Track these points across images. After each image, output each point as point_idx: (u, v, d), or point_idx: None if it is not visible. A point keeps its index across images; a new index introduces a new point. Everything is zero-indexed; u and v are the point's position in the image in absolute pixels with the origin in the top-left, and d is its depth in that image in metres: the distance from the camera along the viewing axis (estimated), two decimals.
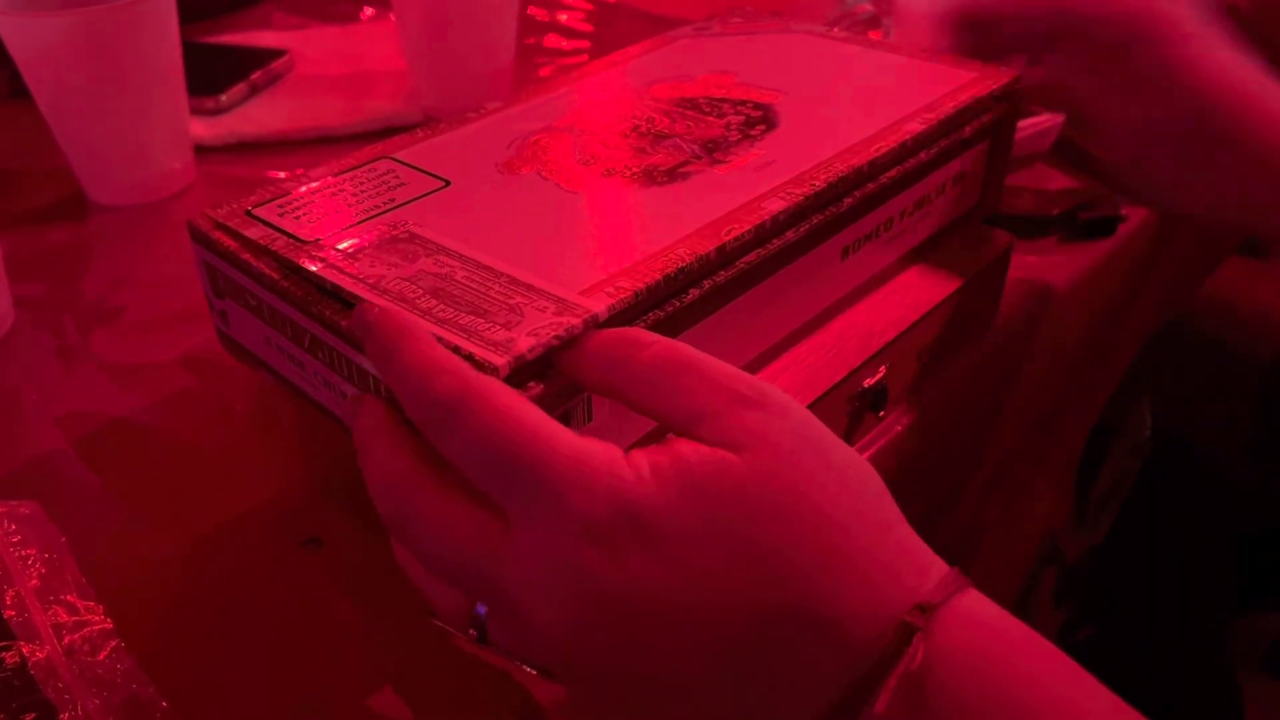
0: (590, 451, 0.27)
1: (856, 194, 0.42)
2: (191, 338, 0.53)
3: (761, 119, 0.46)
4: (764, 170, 0.42)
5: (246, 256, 0.38)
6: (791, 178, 0.40)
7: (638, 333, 0.31)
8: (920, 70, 0.51)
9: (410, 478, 0.29)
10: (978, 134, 0.48)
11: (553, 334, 0.32)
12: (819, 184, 0.40)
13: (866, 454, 0.48)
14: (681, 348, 0.30)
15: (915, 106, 0.46)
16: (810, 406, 0.32)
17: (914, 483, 0.52)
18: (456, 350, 0.31)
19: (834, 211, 0.41)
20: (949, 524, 0.60)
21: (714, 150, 0.43)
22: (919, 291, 0.48)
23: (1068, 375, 0.68)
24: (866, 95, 0.48)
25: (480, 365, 0.31)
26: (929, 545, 0.29)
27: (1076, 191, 0.64)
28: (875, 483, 0.29)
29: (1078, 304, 0.62)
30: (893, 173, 0.44)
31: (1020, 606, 0.81)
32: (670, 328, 0.36)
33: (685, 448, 0.28)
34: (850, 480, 0.29)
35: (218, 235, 0.40)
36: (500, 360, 0.31)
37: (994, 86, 0.48)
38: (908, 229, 0.48)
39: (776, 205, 0.39)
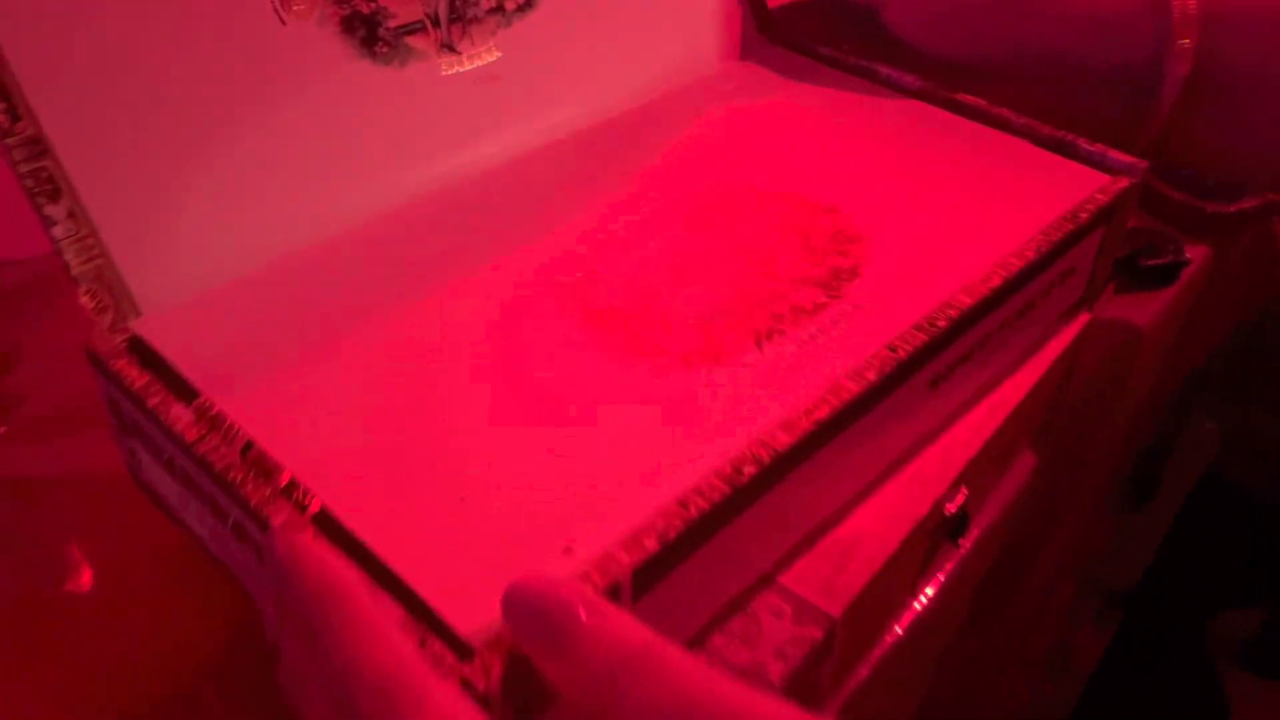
0: None
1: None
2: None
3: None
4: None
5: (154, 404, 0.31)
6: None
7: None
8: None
9: None
10: (1091, 227, 0.43)
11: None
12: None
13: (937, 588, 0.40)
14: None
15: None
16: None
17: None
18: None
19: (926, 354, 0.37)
20: None
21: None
22: (998, 390, 0.44)
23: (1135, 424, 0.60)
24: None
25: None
26: None
27: (1135, 232, 0.59)
28: None
29: (1146, 356, 0.54)
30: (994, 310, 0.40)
31: None
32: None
33: None
34: None
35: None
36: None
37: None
38: (1005, 342, 0.43)
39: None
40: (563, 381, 0.34)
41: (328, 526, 0.29)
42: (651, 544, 0.28)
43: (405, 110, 0.44)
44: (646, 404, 0.33)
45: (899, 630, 0.42)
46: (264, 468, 0.30)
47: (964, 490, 0.41)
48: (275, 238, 0.40)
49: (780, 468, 0.32)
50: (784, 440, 0.32)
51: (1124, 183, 0.44)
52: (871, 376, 0.34)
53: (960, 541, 0.43)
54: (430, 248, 0.41)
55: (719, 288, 0.39)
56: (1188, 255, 0.59)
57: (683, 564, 0.30)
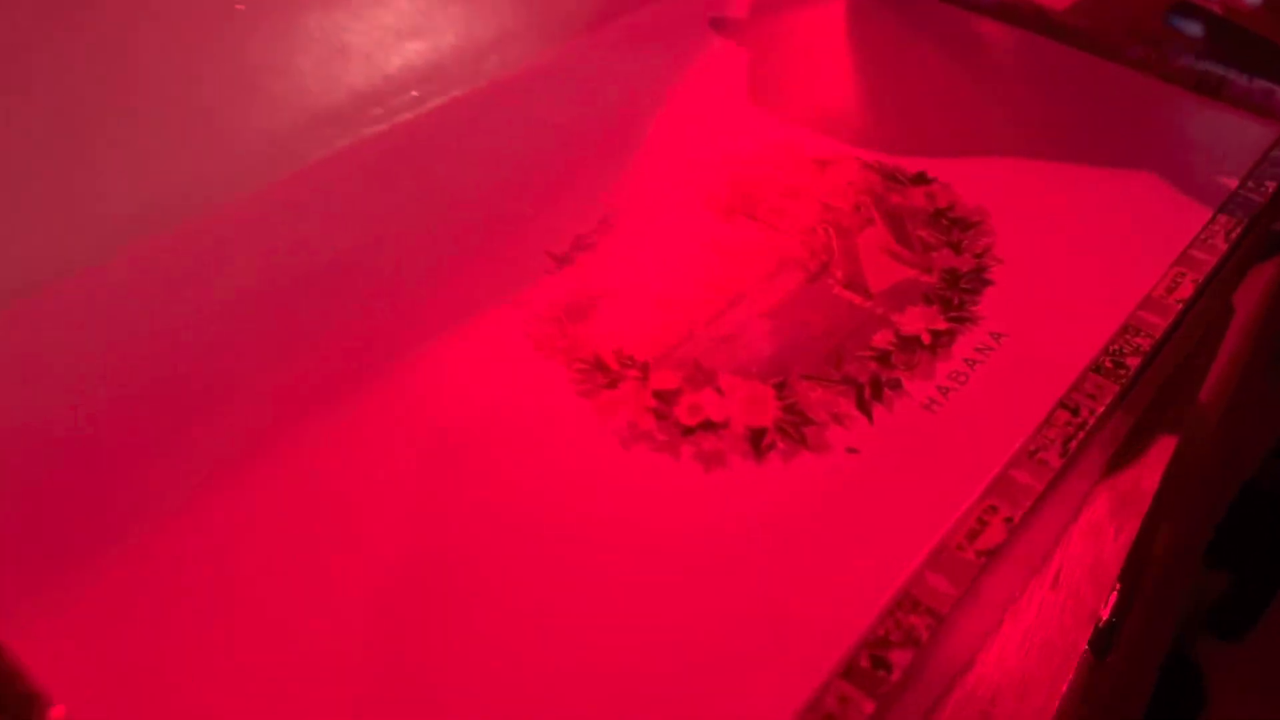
0: None
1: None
2: None
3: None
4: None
5: None
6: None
7: None
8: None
9: None
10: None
11: None
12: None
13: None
14: None
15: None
16: None
17: None
18: None
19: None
20: None
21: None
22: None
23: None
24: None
25: None
26: None
27: None
28: None
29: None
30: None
31: None
32: None
33: None
34: None
35: None
36: None
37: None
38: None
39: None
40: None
41: None
42: None
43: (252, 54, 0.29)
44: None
45: None
46: None
47: (1115, 591, 0.29)
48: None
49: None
50: (946, 592, 0.19)
51: None
52: (1053, 461, 0.22)
53: (1106, 659, 0.31)
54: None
55: (776, 311, 0.25)
56: None
57: None
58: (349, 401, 0.23)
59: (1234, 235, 0.28)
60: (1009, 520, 0.21)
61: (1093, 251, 0.27)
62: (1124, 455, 0.28)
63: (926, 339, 0.25)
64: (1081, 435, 0.23)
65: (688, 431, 0.23)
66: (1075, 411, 0.23)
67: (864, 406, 0.23)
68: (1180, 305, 0.26)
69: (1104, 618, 0.28)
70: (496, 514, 0.21)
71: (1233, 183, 0.29)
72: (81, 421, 0.23)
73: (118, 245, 0.27)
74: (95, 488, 0.22)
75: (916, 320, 0.25)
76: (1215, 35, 0.39)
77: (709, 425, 0.23)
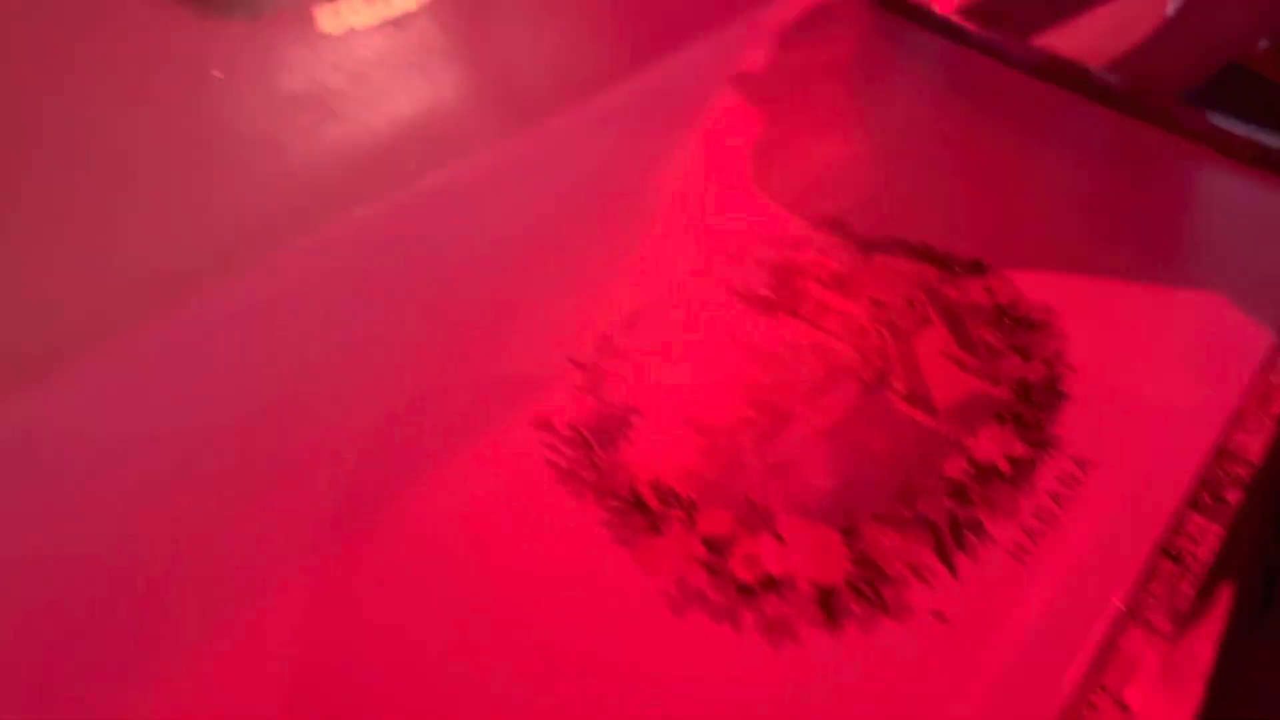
0: None
1: None
2: None
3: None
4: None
5: None
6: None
7: None
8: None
9: None
10: None
11: None
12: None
13: None
14: None
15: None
16: None
17: None
18: None
19: None
20: None
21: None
22: None
23: None
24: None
25: None
26: None
27: None
28: None
29: None
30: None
31: None
32: None
33: None
34: None
35: None
36: None
37: None
38: None
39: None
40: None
41: None
42: None
43: (258, 100, 0.26)
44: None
45: None
46: None
47: None
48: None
49: None
50: None
51: None
52: (1162, 626, 0.19)
53: None
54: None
55: (832, 432, 0.22)
56: None
57: None
58: (349, 545, 0.20)
59: None
60: (1122, 708, 0.18)
61: (1171, 356, 0.25)
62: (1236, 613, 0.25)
63: (1005, 468, 0.22)
64: (1190, 592, 0.20)
65: (747, 591, 0.19)
66: (1178, 559, 0.20)
67: (945, 556, 0.20)
68: (1275, 424, 0.23)
69: None
70: (521, 697, 0.18)
71: None
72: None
73: (81, 341, 0.23)
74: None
75: (991, 444, 0.22)
76: (1221, 79, 0.37)
77: (770, 583, 0.20)
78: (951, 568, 0.20)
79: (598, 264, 0.27)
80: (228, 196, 0.25)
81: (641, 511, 0.21)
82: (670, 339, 0.25)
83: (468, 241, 0.26)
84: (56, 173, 0.23)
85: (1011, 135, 0.31)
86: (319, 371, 0.23)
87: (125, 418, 0.22)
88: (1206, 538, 0.21)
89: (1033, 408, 0.23)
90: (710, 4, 0.35)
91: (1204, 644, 0.24)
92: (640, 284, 0.26)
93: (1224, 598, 0.23)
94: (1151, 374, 0.24)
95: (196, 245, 0.25)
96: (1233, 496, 0.22)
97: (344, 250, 0.26)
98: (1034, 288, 0.26)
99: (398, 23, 0.27)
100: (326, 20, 0.26)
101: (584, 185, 0.29)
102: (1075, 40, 0.33)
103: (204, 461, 0.22)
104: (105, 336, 0.23)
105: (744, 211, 0.28)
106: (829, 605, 0.19)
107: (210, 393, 0.23)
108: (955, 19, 0.35)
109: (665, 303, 0.25)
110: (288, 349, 0.24)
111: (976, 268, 0.27)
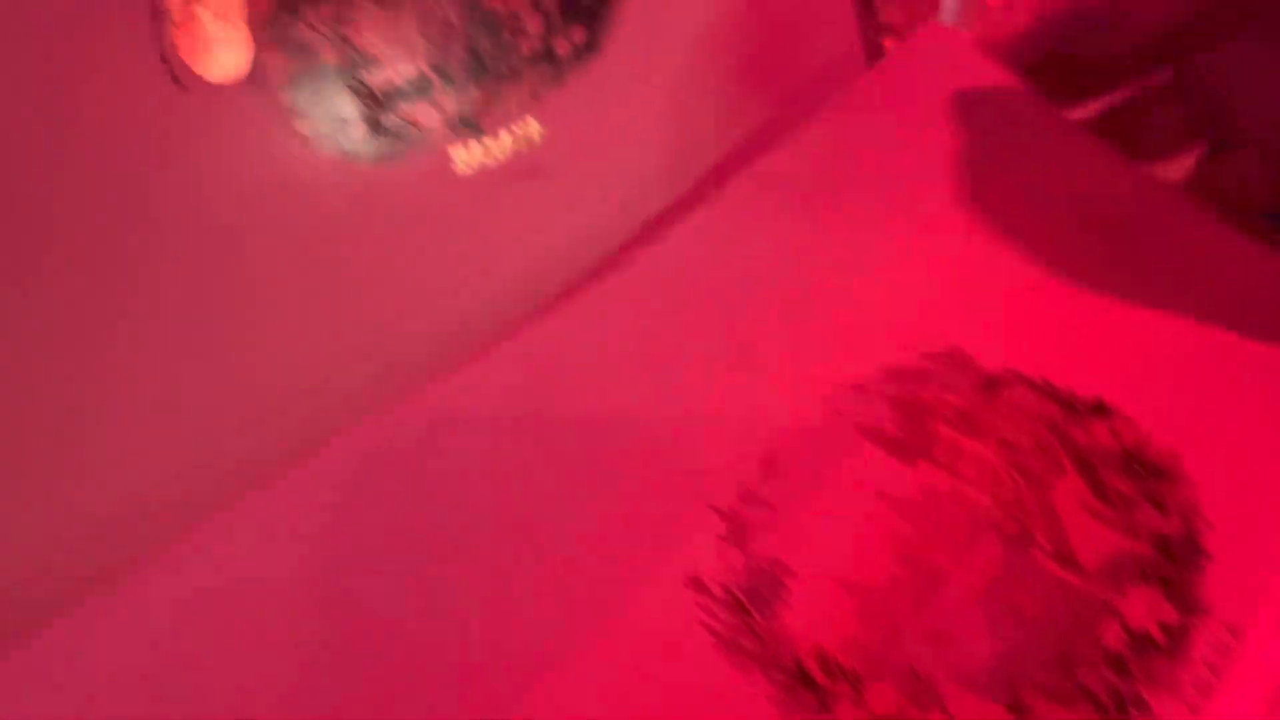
0: None
1: None
2: None
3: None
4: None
5: None
6: None
7: None
8: None
9: None
10: None
11: None
12: None
13: None
14: None
15: None
16: None
17: None
18: None
19: None
20: None
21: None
22: None
23: None
24: None
25: None
26: None
27: None
28: None
29: None
30: None
31: None
32: None
33: None
34: None
35: None
36: None
37: None
38: None
39: None
40: None
41: None
42: None
43: (392, 248, 0.25)
44: None
45: None
46: None
47: None
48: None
49: None
50: None
51: None
52: None
53: None
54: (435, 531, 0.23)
55: (985, 595, 0.22)
56: None
57: None
58: None
59: None
60: None
61: None
62: None
63: (1159, 637, 0.22)
64: None
65: None
66: None
67: None
68: None
69: None
70: None
71: None
72: None
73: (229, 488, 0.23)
74: None
75: (1141, 607, 0.22)
76: None
77: None
78: None
79: (719, 393, 0.26)
80: (358, 335, 0.25)
81: (809, 687, 0.21)
82: (808, 485, 0.24)
83: (592, 385, 0.26)
84: (190, 305, 0.23)
85: (1137, 260, 0.30)
86: (460, 537, 0.23)
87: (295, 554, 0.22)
88: None
89: (1176, 565, 0.23)
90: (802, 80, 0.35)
91: None
92: (772, 420, 0.26)
93: None
94: None
95: (329, 385, 0.24)
96: None
97: (473, 399, 0.25)
98: (1159, 428, 0.26)
99: (527, 164, 0.27)
100: (460, 158, 0.26)
101: (695, 299, 0.29)
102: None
103: (356, 596, 0.21)
104: (254, 476, 0.23)
105: (858, 330, 0.28)
106: None
107: (367, 528, 0.22)
108: (1086, 119, 0.34)
109: (799, 443, 0.25)
110: (421, 507, 0.23)
111: (1100, 409, 0.27)
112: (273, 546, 0.22)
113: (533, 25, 0.27)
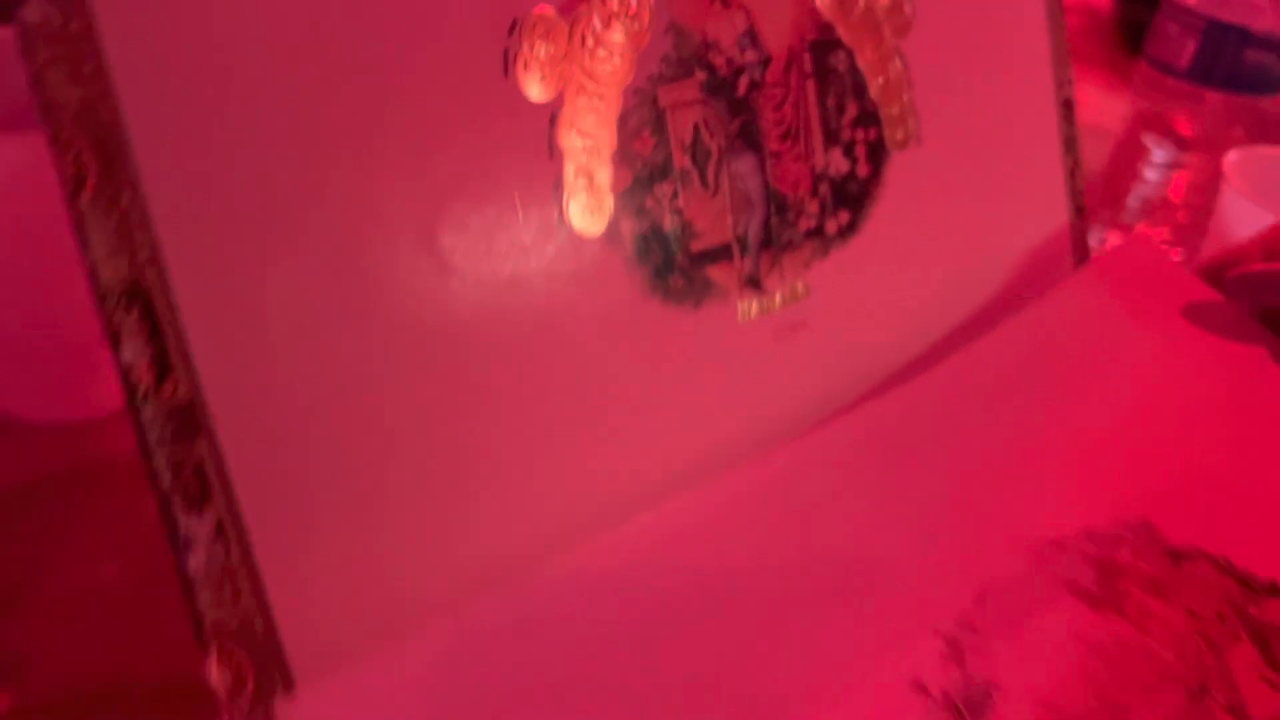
0: None
1: None
2: None
3: None
4: None
5: None
6: None
7: None
8: None
9: None
10: None
11: None
12: None
13: None
14: None
15: None
16: None
17: None
18: None
19: None
20: None
21: None
22: None
23: None
24: None
25: None
26: None
27: None
28: None
29: None
30: None
31: None
32: None
33: None
34: None
35: None
36: None
37: None
38: None
39: None
40: None
41: None
42: None
43: (688, 379, 0.31)
44: None
45: None
46: None
47: None
48: (473, 572, 0.28)
49: None
50: None
51: None
52: None
53: None
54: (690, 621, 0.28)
55: None
56: None
57: None
58: None
59: None
60: None
61: None
62: None
63: None
64: None
65: None
66: None
67: None
68: None
69: None
70: None
71: None
72: None
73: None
74: None
75: None
76: None
77: None
78: None
79: (949, 540, 0.31)
80: (640, 449, 0.30)
81: None
82: (1016, 621, 0.29)
83: (837, 515, 0.31)
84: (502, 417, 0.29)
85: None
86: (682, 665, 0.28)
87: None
88: None
89: None
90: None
91: None
92: (985, 562, 0.30)
93: None
94: None
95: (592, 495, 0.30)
96: None
97: (742, 515, 0.31)
98: None
99: (794, 319, 0.32)
100: (741, 310, 0.31)
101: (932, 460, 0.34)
102: None
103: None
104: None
105: (1062, 498, 0.33)
106: None
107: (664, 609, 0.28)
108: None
109: (1007, 584, 0.30)
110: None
111: (1274, 589, 0.30)
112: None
113: (812, 208, 0.33)
